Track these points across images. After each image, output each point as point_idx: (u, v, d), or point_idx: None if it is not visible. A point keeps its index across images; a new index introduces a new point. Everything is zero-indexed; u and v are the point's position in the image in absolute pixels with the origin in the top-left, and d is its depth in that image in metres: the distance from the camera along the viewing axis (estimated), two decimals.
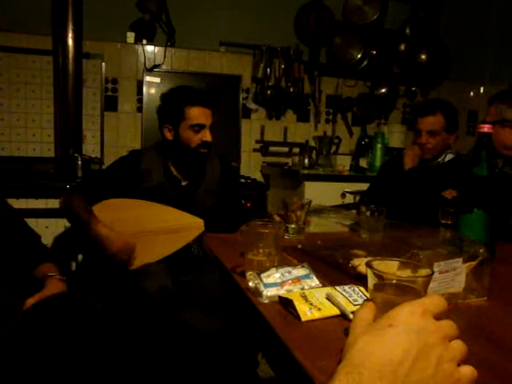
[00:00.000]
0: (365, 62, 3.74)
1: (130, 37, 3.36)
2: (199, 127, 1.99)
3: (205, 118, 2.00)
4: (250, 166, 3.65)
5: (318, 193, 2.94)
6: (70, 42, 2.99)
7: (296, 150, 3.57)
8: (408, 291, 0.66)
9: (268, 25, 3.57)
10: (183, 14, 3.38)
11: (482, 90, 4.26)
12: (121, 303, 1.68)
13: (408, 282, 0.66)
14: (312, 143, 3.62)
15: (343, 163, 3.48)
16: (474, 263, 0.95)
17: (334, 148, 3.66)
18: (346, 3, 3.69)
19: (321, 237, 1.43)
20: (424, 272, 0.68)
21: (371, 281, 0.68)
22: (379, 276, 0.66)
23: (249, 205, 2.83)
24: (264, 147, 3.61)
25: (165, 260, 1.92)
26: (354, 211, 1.84)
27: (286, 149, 3.63)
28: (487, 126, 1.30)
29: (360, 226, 1.45)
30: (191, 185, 2.11)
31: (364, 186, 2.96)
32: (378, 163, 3.33)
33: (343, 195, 3.01)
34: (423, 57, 3.90)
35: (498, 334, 0.81)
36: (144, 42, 3.39)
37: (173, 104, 2.02)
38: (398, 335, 0.51)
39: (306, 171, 3.20)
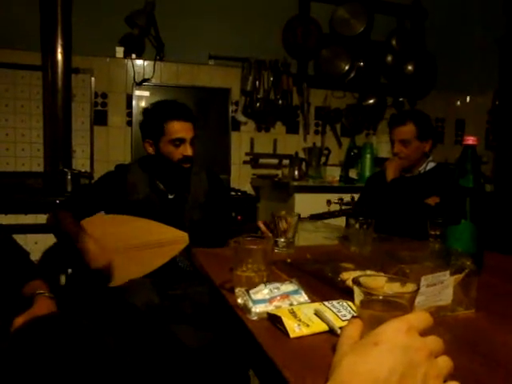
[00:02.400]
0: (352, 74, 3.79)
1: (119, 51, 3.37)
2: (179, 141, 1.99)
3: (185, 132, 2.00)
4: (241, 178, 3.66)
5: (308, 204, 2.95)
6: (59, 57, 3.00)
7: (286, 161, 3.59)
8: (394, 307, 0.67)
9: (256, 38, 3.60)
10: (172, 28, 3.40)
11: (468, 99, 4.31)
12: (109, 319, 1.66)
13: (394, 298, 0.67)
14: (302, 155, 3.64)
15: (333, 174, 3.50)
16: (461, 276, 0.95)
17: (323, 159, 3.67)
18: (333, 16, 3.74)
19: (310, 250, 1.43)
20: (410, 288, 0.68)
21: (358, 297, 0.68)
22: (365, 292, 0.67)
23: (239, 218, 2.84)
24: (254, 159, 3.62)
25: (151, 274, 1.91)
26: (341, 225, 1.85)
27: (275, 161, 3.64)
28: (472, 138, 1.32)
29: (349, 239, 1.45)
30: (178, 198, 2.11)
31: (354, 197, 2.99)
32: (367, 173, 3.36)
33: (328, 202, 3.02)
34: (410, 67, 3.95)
35: (486, 348, 0.81)
36: (133, 56, 3.40)
37: (153, 119, 2.03)
38: (384, 354, 0.51)
39: (295, 183, 3.21)
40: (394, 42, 3.92)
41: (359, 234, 1.42)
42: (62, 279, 2.50)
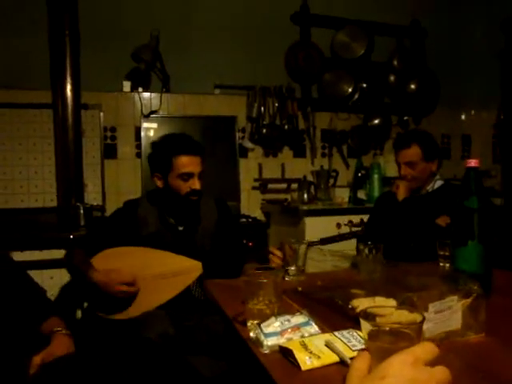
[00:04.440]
0: (356, 95, 3.83)
1: (127, 86, 3.45)
2: (188, 176, 2.01)
3: (193, 167, 2.02)
4: (250, 204, 3.68)
5: (319, 227, 2.97)
6: (69, 94, 3.07)
7: (294, 185, 3.61)
8: (402, 338, 0.68)
9: (260, 65, 3.67)
10: (176, 60, 3.48)
11: (472, 114, 4.33)
12: (124, 354, 1.68)
13: (401, 329, 0.68)
14: (310, 178, 3.67)
15: (342, 196, 3.51)
16: (468, 300, 0.97)
17: (331, 181, 3.70)
18: (334, 40, 3.80)
19: (320, 277, 1.45)
20: (416, 318, 0.70)
21: (365, 329, 0.70)
22: (372, 325, 0.69)
23: (250, 244, 2.85)
24: (262, 185, 3.65)
25: (165, 305, 1.92)
26: (348, 252, 1.86)
27: (284, 185, 3.67)
28: (474, 160, 1.34)
29: (358, 265, 1.47)
30: (188, 229, 2.13)
31: (364, 218, 2.99)
32: (376, 194, 3.37)
33: (338, 225, 3.03)
34: (413, 86, 3.99)
35: (496, 373, 0.82)
36: (140, 89, 3.48)
37: (161, 153, 2.05)
38: None
39: (305, 207, 3.23)
40: (395, 62, 3.96)
41: (368, 259, 1.44)
42: (79, 313, 2.52)
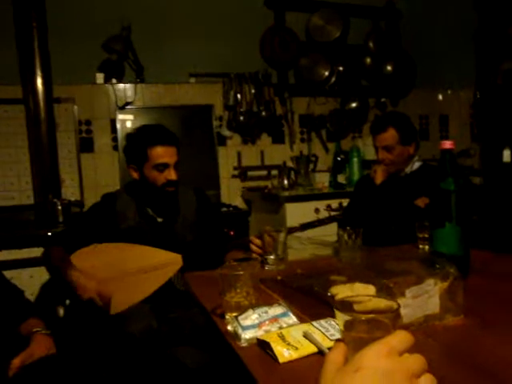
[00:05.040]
0: (333, 79, 3.81)
1: (100, 77, 3.38)
2: (163, 167, 1.99)
3: (168, 157, 1.99)
4: (231, 192, 3.67)
5: (300, 213, 2.96)
6: (40, 88, 3.01)
7: (274, 172, 3.60)
8: (377, 327, 0.68)
9: (235, 52, 3.62)
10: (150, 50, 3.42)
11: (449, 94, 4.35)
12: (106, 352, 1.66)
13: (377, 318, 0.67)
14: (289, 164, 3.66)
15: (322, 180, 3.51)
16: (446, 284, 0.97)
17: (311, 166, 3.69)
18: (309, 24, 3.77)
19: (301, 265, 1.44)
20: (391, 306, 0.69)
21: (340, 320, 0.69)
22: (347, 315, 0.68)
23: (232, 233, 2.84)
24: (242, 173, 3.63)
25: (149, 299, 1.91)
26: (327, 240, 1.86)
27: (264, 172, 3.66)
28: (448, 142, 1.34)
29: (338, 251, 1.47)
30: (167, 221, 2.11)
31: (344, 202, 3.00)
32: (355, 177, 3.37)
33: (317, 210, 3.03)
34: (389, 68, 3.98)
35: (474, 356, 0.82)
36: (114, 81, 3.41)
37: (135, 145, 2.03)
38: (365, 380, 0.52)
39: (286, 193, 3.22)
40: (371, 44, 3.94)
41: (348, 244, 1.44)
42: (61, 311, 2.49)
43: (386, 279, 1.02)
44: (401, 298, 0.91)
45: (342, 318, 0.69)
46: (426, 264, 1.08)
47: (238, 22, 3.65)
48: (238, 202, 3.62)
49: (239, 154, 3.69)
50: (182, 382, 1.74)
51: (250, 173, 3.64)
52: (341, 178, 3.50)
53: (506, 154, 3.37)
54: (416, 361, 0.56)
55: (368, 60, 3.96)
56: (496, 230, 1.92)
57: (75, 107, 3.33)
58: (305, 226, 2.30)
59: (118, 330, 1.79)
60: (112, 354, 1.65)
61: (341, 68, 3.85)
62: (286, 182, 3.43)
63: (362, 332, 0.68)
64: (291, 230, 2.51)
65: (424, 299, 0.93)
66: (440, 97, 4.37)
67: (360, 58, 3.93)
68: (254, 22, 3.69)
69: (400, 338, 0.58)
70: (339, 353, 0.61)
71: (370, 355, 0.55)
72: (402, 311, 0.91)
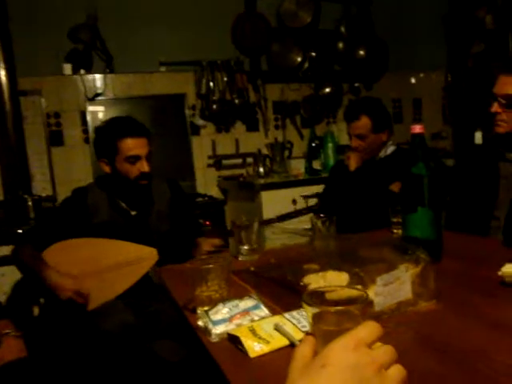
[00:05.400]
0: (306, 65, 3.79)
1: (67, 68, 3.29)
2: (134, 159, 1.95)
3: (139, 149, 1.96)
4: (207, 182, 3.63)
5: (276, 201, 2.95)
6: (4, 80, 2.92)
7: (250, 160, 3.58)
8: (347, 318, 0.66)
9: (206, 39, 3.56)
10: (118, 38, 3.33)
11: (422, 77, 4.37)
12: (83, 349, 1.63)
13: (345, 309, 0.66)
14: (265, 151, 3.63)
15: (298, 167, 3.50)
16: (417, 269, 0.96)
17: (287, 153, 3.67)
18: (280, 9, 3.73)
19: (275, 254, 1.43)
20: (359, 297, 0.68)
21: (308, 312, 0.68)
22: (315, 307, 0.66)
23: (208, 223, 2.82)
24: (217, 162, 3.60)
25: (125, 295, 1.88)
26: (300, 228, 1.85)
27: (239, 160, 3.63)
28: (418, 126, 1.33)
29: (312, 238, 1.45)
30: (141, 213, 2.08)
31: (320, 188, 2.99)
32: (331, 163, 3.37)
33: (294, 202, 3.01)
34: (361, 52, 3.97)
35: (446, 342, 0.82)
36: (82, 71, 3.33)
37: (105, 138, 1.99)
38: (332, 376, 0.51)
39: (261, 181, 3.20)
40: (342, 29, 3.93)
41: (321, 232, 1.43)
42: (36, 310, 2.44)
43: (359, 267, 1.01)
44: (372, 287, 0.90)
45: (310, 310, 0.68)
46: (398, 250, 1.08)
47: (209, 8, 3.58)
48: (214, 192, 3.59)
49: (214, 143, 3.65)
50: (160, 375, 1.72)
51: (224, 161, 3.61)
52: (316, 164, 3.49)
53: (478, 135, 3.41)
54: (385, 352, 0.54)
55: (340, 45, 3.94)
56: (468, 212, 1.93)
57: (42, 100, 3.24)
58: (282, 218, 2.29)
59: (94, 327, 1.76)
60: (89, 352, 1.62)
61: (313, 53, 3.83)
62: (261, 169, 3.41)
63: (331, 324, 0.66)
64: (268, 222, 2.51)
65: (396, 286, 0.92)
66: (413, 80, 4.39)
67: (332, 43, 3.91)
68: (225, 9, 3.63)
69: (368, 330, 0.57)
70: (307, 346, 0.60)
71: (337, 349, 0.53)
72: (374, 299, 0.90)
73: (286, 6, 3.74)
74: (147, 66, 3.46)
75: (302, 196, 3.01)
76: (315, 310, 0.66)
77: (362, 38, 3.96)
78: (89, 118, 3.35)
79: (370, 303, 0.87)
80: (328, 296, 0.75)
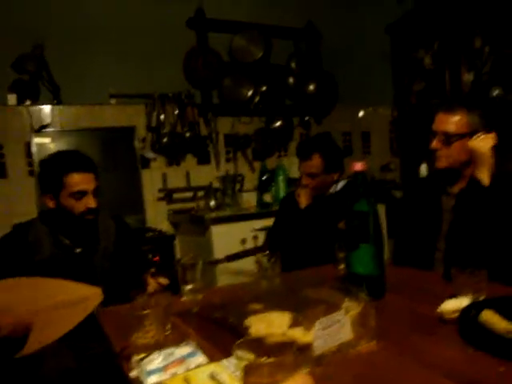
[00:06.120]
0: (257, 99, 3.83)
1: (11, 99, 3.19)
2: (81, 194, 1.89)
3: (85, 184, 1.90)
4: (157, 216, 3.56)
5: (227, 235, 2.92)
6: None
7: (201, 193, 3.55)
8: (280, 368, 0.65)
9: (157, 72, 3.55)
10: (66, 69, 3.27)
11: (370, 111, 4.52)
12: None
13: (276, 361, 0.64)
14: (216, 184, 3.62)
15: (249, 200, 3.50)
16: (356, 312, 0.96)
17: (238, 186, 3.67)
18: (231, 45, 3.78)
19: (219, 293, 1.40)
20: (289, 350, 0.66)
21: (240, 363, 0.66)
22: (247, 360, 0.64)
23: (157, 258, 2.75)
24: (168, 195, 3.55)
25: (66, 337, 1.79)
26: (242, 267, 1.84)
27: (190, 194, 3.59)
28: (360, 163, 1.35)
29: (257, 277, 1.44)
30: (86, 251, 2.01)
31: (271, 221, 2.99)
32: (281, 196, 3.38)
33: (243, 241, 2.98)
34: (311, 87, 4.06)
35: (386, 381, 0.81)
36: (28, 102, 3.24)
37: (50, 172, 1.92)
38: None
39: (213, 214, 3.17)
40: (293, 65, 4.02)
41: (266, 271, 1.41)
42: None
43: (300, 308, 1.00)
44: (312, 329, 0.89)
45: (241, 362, 0.65)
46: (340, 290, 1.08)
47: (160, 41, 3.58)
48: (165, 226, 3.53)
49: (164, 176, 3.60)
50: None
51: (175, 195, 3.56)
52: (267, 197, 3.50)
53: (423, 168, 3.52)
54: None
55: (291, 80, 4.03)
56: (414, 244, 1.96)
57: None
58: (230, 258, 2.26)
59: (30, 372, 1.67)
60: None
61: (264, 88, 3.88)
62: (212, 202, 3.39)
63: (264, 376, 0.64)
64: (217, 262, 2.47)
65: (335, 329, 0.91)
66: (361, 113, 4.51)
67: (283, 77, 4.00)
68: (177, 42, 3.64)
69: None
70: None
71: None
72: (314, 342, 0.88)
73: (238, 41, 3.80)
74: (97, 98, 3.40)
75: (253, 230, 3.00)
76: (246, 361, 0.64)
77: (312, 73, 4.06)
78: (34, 149, 3.24)
79: (309, 347, 0.86)
80: (266, 340, 0.73)
